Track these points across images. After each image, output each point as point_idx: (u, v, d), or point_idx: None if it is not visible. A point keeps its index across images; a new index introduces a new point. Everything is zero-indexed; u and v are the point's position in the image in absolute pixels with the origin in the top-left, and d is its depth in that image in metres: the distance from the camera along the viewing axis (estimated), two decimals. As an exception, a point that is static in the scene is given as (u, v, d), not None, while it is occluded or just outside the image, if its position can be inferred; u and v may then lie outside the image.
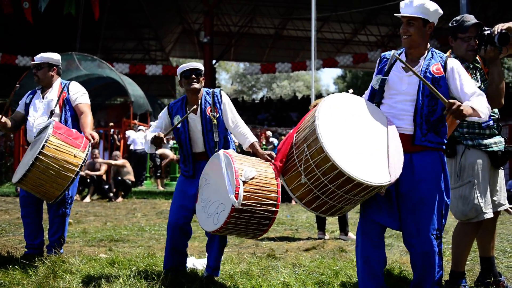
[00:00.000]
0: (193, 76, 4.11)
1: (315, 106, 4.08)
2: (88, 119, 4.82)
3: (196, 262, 4.70)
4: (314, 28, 14.01)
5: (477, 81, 3.75)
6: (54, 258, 4.54)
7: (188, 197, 4.11)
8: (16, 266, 4.30)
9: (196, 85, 4.12)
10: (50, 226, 4.86)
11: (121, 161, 12.42)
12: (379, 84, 3.43)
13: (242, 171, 3.48)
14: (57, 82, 4.96)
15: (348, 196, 3.06)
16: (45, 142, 4.24)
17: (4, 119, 4.71)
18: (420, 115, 3.26)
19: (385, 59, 3.50)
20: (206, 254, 4.33)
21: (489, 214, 3.67)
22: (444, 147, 3.36)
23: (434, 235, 3.22)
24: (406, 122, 3.30)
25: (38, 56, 4.92)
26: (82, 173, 11.12)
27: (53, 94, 4.88)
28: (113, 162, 12.36)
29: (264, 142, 13.88)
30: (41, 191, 4.37)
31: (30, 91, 4.99)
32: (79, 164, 4.36)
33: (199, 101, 4.16)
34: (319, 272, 4.42)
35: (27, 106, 4.88)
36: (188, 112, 4.03)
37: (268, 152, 3.83)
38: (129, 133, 14.93)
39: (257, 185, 3.50)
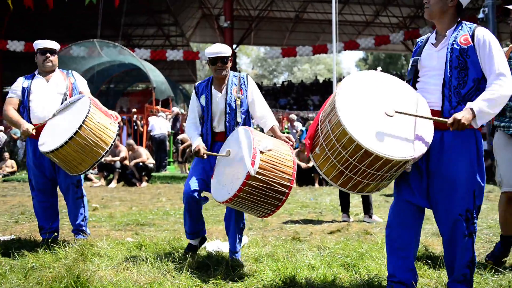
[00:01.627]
0: (219, 63, 4.21)
1: None
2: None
3: (222, 245, 4.75)
4: (335, 11, 13.83)
5: None
6: (83, 242, 4.62)
7: (205, 171, 4.21)
8: (46, 250, 4.38)
9: (222, 72, 4.23)
10: (71, 211, 4.91)
11: (122, 154, 12.44)
12: (411, 64, 3.40)
13: (260, 141, 3.62)
14: (57, 69, 5.02)
15: (371, 171, 3.02)
16: (85, 118, 4.32)
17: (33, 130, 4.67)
18: (448, 87, 3.16)
19: (419, 43, 3.47)
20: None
21: (504, 189, 4.22)
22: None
23: (464, 216, 3.13)
24: (436, 96, 3.21)
25: (47, 42, 4.94)
26: (105, 159, 11.28)
27: (58, 78, 4.94)
28: (116, 158, 12.37)
29: (286, 127, 13.79)
30: (69, 163, 4.41)
31: (25, 76, 4.96)
32: (110, 143, 4.48)
33: (225, 82, 4.27)
34: (344, 254, 4.42)
35: (25, 90, 4.83)
36: (223, 154, 4.02)
37: (287, 135, 3.94)
38: (152, 119, 15.03)
39: (273, 157, 3.61)
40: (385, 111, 3.07)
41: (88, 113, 4.36)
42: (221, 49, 4.22)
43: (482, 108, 2.98)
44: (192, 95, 4.44)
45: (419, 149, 3.04)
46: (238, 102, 4.22)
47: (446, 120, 3.02)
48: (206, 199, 4.35)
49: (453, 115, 3.00)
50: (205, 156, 4.12)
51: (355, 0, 28.61)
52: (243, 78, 4.32)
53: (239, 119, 4.22)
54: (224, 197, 3.67)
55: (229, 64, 4.29)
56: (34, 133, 4.60)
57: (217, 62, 4.21)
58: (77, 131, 4.26)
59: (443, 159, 3.17)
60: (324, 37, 32.81)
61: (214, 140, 4.27)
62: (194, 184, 4.17)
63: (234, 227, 4.26)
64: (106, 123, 4.51)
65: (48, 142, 4.40)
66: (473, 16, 19.29)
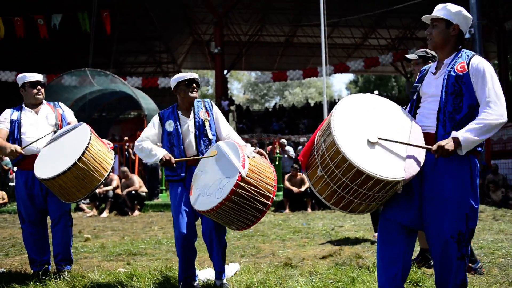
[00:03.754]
0: (194, 85, 4.37)
1: None
2: None
3: (200, 274, 4.70)
4: (324, 34, 14.04)
5: None
6: (74, 274, 4.60)
7: (186, 202, 4.21)
8: (37, 283, 4.35)
9: (195, 94, 4.40)
10: (61, 240, 4.84)
11: (114, 183, 12.42)
12: (412, 89, 3.53)
13: (246, 147, 3.89)
14: (44, 101, 5.08)
15: (363, 190, 3.08)
16: (88, 144, 4.37)
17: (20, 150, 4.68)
18: (443, 112, 3.23)
19: (423, 70, 3.59)
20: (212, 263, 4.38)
21: None
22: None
23: (455, 238, 3.15)
24: (431, 120, 3.30)
25: (36, 75, 5.00)
26: (98, 190, 11.23)
27: (46, 110, 5.00)
28: (108, 188, 12.34)
29: (278, 151, 13.81)
30: (67, 190, 4.41)
31: (12, 108, 4.97)
32: (109, 169, 4.52)
33: (192, 107, 4.41)
34: (336, 279, 4.42)
35: (14, 122, 4.85)
36: (206, 156, 4.12)
37: (257, 149, 4.09)
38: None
39: (258, 163, 3.83)
40: (367, 138, 3.14)
41: (90, 139, 4.42)
42: (194, 74, 4.44)
43: (466, 137, 3.07)
44: (154, 119, 4.45)
45: (411, 171, 3.09)
46: (207, 124, 4.35)
47: (430, 147, 3.11)
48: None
49: (437, 142, 3.09)
50: (175, 164, 4.16)
51: (344, 23, 29.01)
52: (207, 102, 4.50)
53: (210, 137, 4.35)
54: (212, 204, 3.69)
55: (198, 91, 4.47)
56: (23, 152, 4.63)
57: (192, 83, 4.36)
58: (80, 157, 4.28)
59: (436, 181, 3.22)
60: (315, 60, 33.17)
61: (188, 164, 4.28)
62: (184, 224, 4.16)
63: (217, 244, 4.26)
64: (105, 150, 4.59)
65: (46, 170, 4.40)
66: (459, 40, 19.54)
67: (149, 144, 4.29)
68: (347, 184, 3.07)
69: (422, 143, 3.22)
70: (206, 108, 4.43)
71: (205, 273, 4.73)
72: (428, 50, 4.80)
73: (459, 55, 3.33)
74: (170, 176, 4.33)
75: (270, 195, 3.79)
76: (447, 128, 3.21)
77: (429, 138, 3.26)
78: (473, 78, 3.20)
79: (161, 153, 4.17)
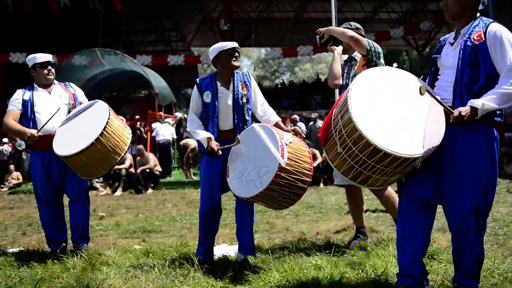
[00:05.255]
0: (237, 54, 4.22)
1: None
2: None
3: (228, 249, 4.76)
4: (334, 9, 13.84)
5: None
6: (91, 251, 4.65)
7: (215, 176, 4.20)
8: (55, 261, 4.41)
9: (238, 63, 4.26)
10: (80, 217, 4.89)
11: (128, 162, 12.47)
12: (430, 61, 3.43)
13: (282, 134, 3.77)
14: (55, 81, 5.07)
15: (381, 166, 3.06)
16: (108, 119, 4.42)
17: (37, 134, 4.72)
18: (460, 84, 3.15)
19: (441, 41, 3.47)
20: (237, 240, 4.39)
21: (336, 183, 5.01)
22: (497, 119, 3.16)
23: (474, 212, 3.12)
24: (449, 93, 3.22)
25: (46, 55, 4.99)
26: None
27: (59, 90, 5.01)
28: (121, 166, 12.38)
29: (289, 127, 13.78)
30: (89, 166, 4.46)
31: (23, 88, 4.97)
32: (128, 144, 4.59)
33: (232, 79, 4.27)
34: (350, 253, 4.44)
35: (27, 102, 4.85)
36: (232, 145, 4.06)
37: (293, 127, 4.06)
38: (155, 125, 15.05)
39: (295, 149, 3.75)
40: (419, 87, 3.04)
41: (109, 115, 4.47)
42: (235, 43, 4.27)
43: (485, 104, 2.99)
44: (193, 91, 4.34)
45: (429, 146, 3.06)
46: (245, 100, 4.24)
47: (452, 111, 3.03)
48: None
49: (458, 108, 3.02)
50: (220, 152, 4.10)
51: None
52: (246, 75, 4.36)
53: (247, 117, 4.25)
54: (252, 192, 3.72)
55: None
56: (40, 135, 4.66)
57: (235, 52, 4.21)
58: (102, 132, 4.34)
59: (455, 155, 3.17)
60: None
61: (221, 137, 4.23)
62: (211, 197, 4.20)
63: (249, 223, 4.26)
64: (122, 126, 4.65)
65: (67, 147, 4.43)
66: (475, 7, 19.18)
67: (197, 127, 4.23)
68: (364, 160, 3.05)
69: (442, 115, 3.17)
70: (244, 82, 4.30)
71: (220, 249, 4.75)
72: (352, 23, 4.86)
73: (477, 24, 3.20)
74: (202, 147, 4.28)
75: (308, 179, 3.77)
76: (464, 100, 3.13)
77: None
78: (491, 46, 3.08)
79: (206, 140, 4.11)
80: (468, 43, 3.15)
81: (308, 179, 3.76)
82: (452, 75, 3.21)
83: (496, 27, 3.12)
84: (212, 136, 4.14)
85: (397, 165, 3.05)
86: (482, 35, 3.11)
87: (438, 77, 3.37)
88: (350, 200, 5.03)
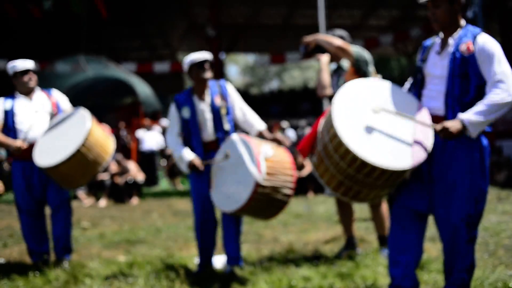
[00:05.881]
0: (205, 66, 4.21)
1: None
2: None
3: (215, 259, 4.67)
4: (322, 16, 13.89)
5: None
6: (74, 263, 4.56)
7: (205, 188, 4.19)
8: (36, 273, 4.31)
9: (209, 74, 4.24)
10: (62, 229, 4.79)
11: (113, 171, 12.32)
12: (417, 69, 3.38)
13: (260, 148, 3.70)
14: (37, 88, 4.94)
15: (370, 180, 3.00)
16: (89, 129, 4.33)
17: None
18: (451, 96, 3.12)
19: (424, 48, 3.41)
20: (224, 250, 4.33)
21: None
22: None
23: (465, 221, 3.09)
24: (439, 103, 3.19)
25: (26, 62, 4.85)
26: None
27: (40, 98, 4.87)
28: (106, 176, 12.22)
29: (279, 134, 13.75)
30: (70, 177, 4.40)
31: (5, 98, 4.83)
32: (110, 153, 4.52)
33: (208, 90, 4.28)
34: (340, 264, 4.38)
35: (8, 112, 4.71)
36: (221, 158, 4.02)
37: (279, 134, 4.00)
38: (141, 133, 14.92)
39: (275, 161, 3.70)
40: (372, 108, 3.03)
41: (91, 124, 4.39)
42: (206, 54, 4.28)
43: (471, 119, 2.97)
44: (171, 108, 4.35)
45: (418, 157, 3.01)
46: (224, 111, 4.24)
47: (435, 125, 3.01)
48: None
49: (443, 122, 3.00)
50: (202, 167, 4.09)
51: (343, 4, 28.69)
52: (223, 86, 4.36)
53: (227, 127, 4.25)
54: (232, 206, 3.69)
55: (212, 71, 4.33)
56: (25, 147, 4.55)
57: (204, 63, 4.22)
58: (83, 142, 4.26)
59: (445, 164, 3.13)
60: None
61: (207, 149, 4.23)
62: (204, 208, 4.22)
63: (235, 232, 4.25)
64: (105, 135, 4.59)
65: (48, 158, 4.35)
66: (462, 15, 19.43)
67: (176, 142, 4.25)
68: (354, 175, 2.99)
69: (428, 122, 3.11)
70: (222, 93, 4.31)
71: (220, 259, 4.66)
72: (336, 31, 4.86)
73: (464, 34, 3.17)
74: None
75: (290, 191, 3.76)
76: (456, 112, 3.10)
77: (437, 121, 3.13)
78: (480, 58, 3.07)
79: (188, 157, 4.13)
80: (457, 54, 3.12)
81: (290, 191, 3.75)
82: (442, 85, 3.17)
83: (485, 39, 3.11)
84: (194, 158, 4.12)
85: (387, 177, 3.00)
86: (471, 47, 3.10)
87: (426, 86, 3.32)
88: (340, 210, 4.96)
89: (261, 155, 3.65)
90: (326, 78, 4.66)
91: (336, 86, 4.70)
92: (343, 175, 3.04)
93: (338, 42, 4.35)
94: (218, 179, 3.95)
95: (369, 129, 3.03)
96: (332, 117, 3.01)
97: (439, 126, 2.98)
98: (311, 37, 4.50)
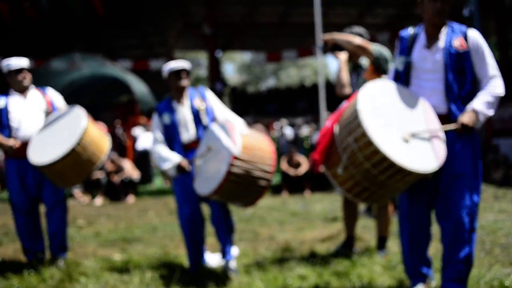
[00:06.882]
0: (183, 73, 4.39)
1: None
2: None
3: (211, 257, 4.66)
4: (319, 14, 13.90)
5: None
6: (69, 262, 4.54)
7: (189, 187, 4.22)
8: (31, 271, 4.30)
9: (186, 82, 4.40)
10: (58, 227, 4.76)
11: (108, 169, 12.29)
12: (405, 65, 3.40)
13: (236, 127, 3.88)
14: (32, 86, 4.91)
15: (400, 184, 3.08)
16: (85, 127, 4.33)
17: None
18: (451, 91, 3.23)
19: (404, 39, 3.47)
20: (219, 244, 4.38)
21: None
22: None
23: (467, 212, 3.20)
24: (438, 101, 3.27)
25: (20, 61, 4.81)
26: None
27: (35, 96, 4.85)
28: (101, 174, 12.19)
29: (276, 134, 13.72)
30: (65, 176, 4.39)
31: None
32: (106, 152, 4.52)
33: (186, 95, 4.43)
34: (336, 262, 4.38)
35: (2, 109, 4.67)
36: (204, 151, 4.08)
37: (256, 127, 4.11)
38: (137, 131, 14.89)
39: (252, 139, 3.81)
40: (403, 137, 3.07)
41: (86, 123, 4.38)
42: (183, 62, 4.47)
43: (483, 110, 3.14)
44: (153, 117, 4.49)
45: (441, 157, 3.10)
46: (203, 113, 4.37)
47: (456, 126, 3.13)
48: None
49: (459, 120, 3.13)
50: (189, 167, 4.18)
51: (339, 2, 28.71)
52: (201, 91, 4.52)
53: (206, 125, 4.35)
54: (213, 185, 3.70)
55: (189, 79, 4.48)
56: (18, 146, 4.52)
57: (181, 73, 4.37)
58: (78, 140, 4.25)
59: (451, 157, 3.21)
60: (309, 40, 32.82)
61: (187, 149, 4.33)
62: (189, 206, 4.25)
63: (225, 226, 4.29)
64: (100, 134, 4.57)
65: (43, 156, 4.33)
66: (458, 13, 19.49)
67: (161, 149, 4.33)
68: (381, 179, 3.01)
69: (438, 123, 3.20)
70: (201, 96, 4.45)
71: (216, 257, 4.65)
72: (354, 29, 4.77)
73: (451, 30, 3.28)
74: None
75: (270, 167, 3.78)
76: (459, 105, 3.23)
77: (438, 117, 3.24)
78: (474, 54, 3.21)
79: (176, 160, 4.20)
80: (452, 50, 3.22)
81: (270, 168, 3.78)
82: (438, 81, 3.25)
83: (475, 34, 3.25)
84: (181, 160, 4.19)
85: (412, 180, 3.08)
86: (464, 43, 3.22)
87: (413, 80, 3.37)
88: (346, 209, 4.91)
89: (236, 132, 3.78)
90: (345, 77, 4.63)
91: (355, 85, 4.65)
92: (371, 182, 3.06)
93: (357, 40, 4.30)
94: (200, 169, 4.00)
95: (396, 135, 3.05)
96: (364, 127, 2.95)
97: (458, 125, 3.10)
98: (329, 36, 4.48)
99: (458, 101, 3.22)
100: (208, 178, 3.84)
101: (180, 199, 4.31)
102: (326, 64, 58.81)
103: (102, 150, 4.47)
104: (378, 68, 4.34)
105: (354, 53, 4.54)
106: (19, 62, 4.79)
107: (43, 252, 4.84)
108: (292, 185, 11.98)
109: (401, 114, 3.17)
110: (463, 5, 16.94)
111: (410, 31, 3.47)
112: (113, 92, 24.67)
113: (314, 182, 11.99)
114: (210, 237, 5.77)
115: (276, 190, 11.91)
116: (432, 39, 3.31)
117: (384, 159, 2.92)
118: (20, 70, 4.77)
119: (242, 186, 3.72)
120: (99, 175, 12.05)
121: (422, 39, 3.35)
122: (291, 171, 11.93)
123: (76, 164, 4.31)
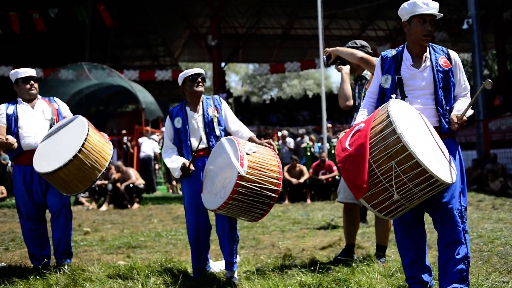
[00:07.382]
0: (199, 79, 4.39)
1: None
2: None
3: (213, 265, 4.74)
4: (321, 26, 14.02)
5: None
6: (74, 267, 4.59)
7: (197, 194, 4.28)
8: (37, 277, 4.35)
9: (201, 88, 4.43)
10: (62, 233, 4.82)
11: (113, 177, 12.40)
12: (392, 82, 3.57)
13: (245, 145, 3.87)
14: (39, 96, 5.03)
15: (426, 196, 3.18)
16: (87, 135, 4.39)
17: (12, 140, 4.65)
18: (441, 106, 3.48)
19: (388, 59, 3.65)
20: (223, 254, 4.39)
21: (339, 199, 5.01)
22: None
23: (459, 214, 3.36)
24: (429, 115, 3.48)
25: (29, 70, 4.94)
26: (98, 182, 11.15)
27: (42, 105, 4.96)
28: (107, 181, 12.32)
29: (277, 143, 13.77)
30: (69, 183, 4.42)
31: (7, 103, 4.91)
32: (109, 160, 4.56)
33: (201, 103, 4.45)
34: (336, 269, 4.43)
35: (11, 116, 4.79)
36: (194, 154, 4.26)
37: (267, 140, 4.18)
38: (142, 140, 14.99)
39: (259, 158, 3.83)
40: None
41: (88, 131, 4.44)
42: (199, 69, 4.47)
43: (467, 114, 3.36)
44: (166, 119, 4.54)
45: (454, 166, 3.30)
46: (216, 121, 4.40)
47: (456, 127, 3.34)
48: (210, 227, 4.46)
49: (456, 122, 3.32)
50: (192, 167, 4.27)
51: (341, 15, 28.90)
52: (216, 100, 4.54)
53: (218, 133, 4.38)
54: (218, 203, 3.77)
55: (204, 85, 4.51)
56: (16, 145, 4.60)
57: (198, 77, 4.39)
58: (80, 149, 4.31)
59: None
60: (312, 52, 33.06)
61: (194, 157, 4.35)
62: (195, 216, 4.31)
63: (229, 237, 4.29)
64: (103, 141, 4.61)
65: (46, 164, 4.40)
66: (458, 27, 19.60)
67: (171, 154, 4.42)
68: (420, 196, 3.11)
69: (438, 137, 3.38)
70: (215, 106, 4.47)
71: (219, 265, 4.72)
72: (357, 41, 4.86)
73: (433, 50, 3.57)
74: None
75: (275, 187, 3.82)
76: (446, 119, 3.50)
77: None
78: (456, 71, 3.54)
79: (180, 163, 4.30)
80: (439, 68, 3.50)
81: (276, 188, 3.82)
82: (429, 96, 3.51)
83: (454, 55, 3.59)
84: (184, 161, 4.29)
85: (439, 190, 3.18)
86: (448, 61, 3.52)
87: (408, 97, 3.52)
88: (347, 217, 4.97)
89: (245, 150, 3.81)
90: (348, 89, 4.72)
91: (358, 96, 4.75)
92: (405, 198, 3.10)
93: (360, 53, 4.43)
94: (209, 181, 4.07)
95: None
96: (411, 149, 2.97)
97: (458, 126, 3.31)
98: (331, 49, 4.62)
99: (446, 114, 3.49)
100: (214, 193, 3.90)
101: (189, 205, 4.35)
102: (328, 75, 58.91)
103: (105, 158, 4.52)
104: None
105: (357, 65, 4.64)
106: (27, 71, 4.91)
107: (49, 257, 4.91)
108: (294, 193, 12.06)
109: (416, 130, 3.24)
110: (462, 19, 17.01)
111: (392, 52, 3.67)
112: (120, 102, 24.85)
113: (316, 190, 12.10)
114: (214, 245, 5.85)
115: (278, 198, 11.93)
116: (417, 58, 3.56)
117: (430, 177, 3.00)
118: (28, 80, 4.89)
119: (248, 203, 3.77)
120: (105, 182, 12.16)
121: (407, 59, 3.57)
122: (293, 180, 12.01)
123: (79, 172, 4.36)
